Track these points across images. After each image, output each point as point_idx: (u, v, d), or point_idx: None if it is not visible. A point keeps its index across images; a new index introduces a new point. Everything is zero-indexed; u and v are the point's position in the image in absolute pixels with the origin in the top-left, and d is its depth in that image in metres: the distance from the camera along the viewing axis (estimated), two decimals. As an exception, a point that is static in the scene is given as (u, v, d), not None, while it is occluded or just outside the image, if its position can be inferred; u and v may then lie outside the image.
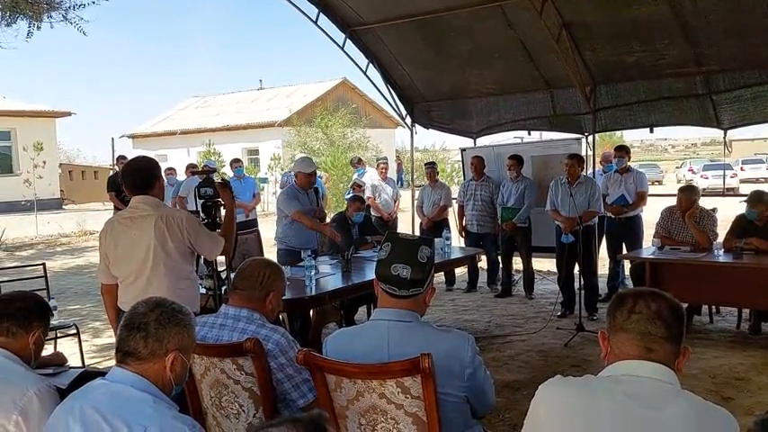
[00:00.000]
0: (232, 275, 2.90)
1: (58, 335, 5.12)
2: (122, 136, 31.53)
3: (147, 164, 3.28)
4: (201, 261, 3.59)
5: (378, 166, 9.10)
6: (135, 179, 3.21)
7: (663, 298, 1.66)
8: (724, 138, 7.24)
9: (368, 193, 8.60)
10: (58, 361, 3.02)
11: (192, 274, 3.27)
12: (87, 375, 2.75)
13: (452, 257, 5.95)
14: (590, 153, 7.30)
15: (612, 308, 1.69)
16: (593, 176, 7.17)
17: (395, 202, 8.87)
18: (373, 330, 2.10)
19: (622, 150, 7.08)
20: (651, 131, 7.36)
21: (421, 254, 2.03)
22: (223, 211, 3.65)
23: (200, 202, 3.56)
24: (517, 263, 7.80)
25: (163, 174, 3.54)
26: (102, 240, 3.29)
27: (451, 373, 2.01)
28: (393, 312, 2.06)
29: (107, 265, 3.27)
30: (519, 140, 9.67)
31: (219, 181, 3.64)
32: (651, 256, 5.68)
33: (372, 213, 8.21)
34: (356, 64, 8.03)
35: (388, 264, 2.03)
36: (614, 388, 1.53)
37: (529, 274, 7.45)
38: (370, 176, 9.22)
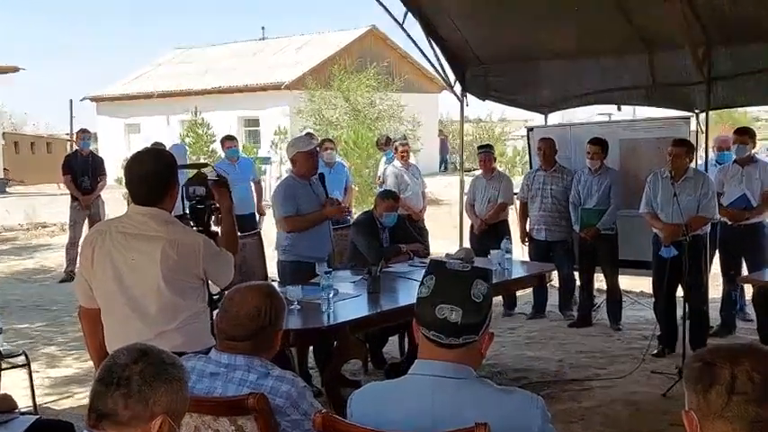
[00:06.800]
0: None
1: (3, 366, 5.12)
2: (84, 98, 31.84)
3: (158, 167, 3.17)
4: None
5: (395, 148, 8.99)
6: (141, 188, 3.15)
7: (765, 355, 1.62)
8: None
9: (389, 183, 8.48)
10: (6, 406, 3.07)
11: (204, 310, 3.25)
12: (42, 426, 2.82)
13: (514, 276, 5.90)
14: (702, 137, 7.16)
15: (697, 382, 1.60)
16: (705, 169, 7.00)
17: (423, 195, 8.81)
18: (413, 389, 2.09)
19: (745, 134, 6.85)
20: (786, 107, 7.41)
21: (475, 291, 2.04)
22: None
23: (188, 204, 3.51)
24: (599, 281, 7.69)
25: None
26: (85, 254, 3.22)
27: (515, 448, 2.07)
28: (438, 366, 2.05)
29: (89, 286, 3.22)
30: (605, 118, 9.58)
31: (215, 177, 3.62)
32: (782, 279, 5.73)
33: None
34: (390, 14, 7.98)
35: (431, 304, 2.04)
36: None
37: (615, 296, 7.33)
38: (395, 164, 9.10)
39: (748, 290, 6.77)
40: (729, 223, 6.79)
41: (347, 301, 4.82)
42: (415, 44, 8.34)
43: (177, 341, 3.01)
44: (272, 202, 5.84)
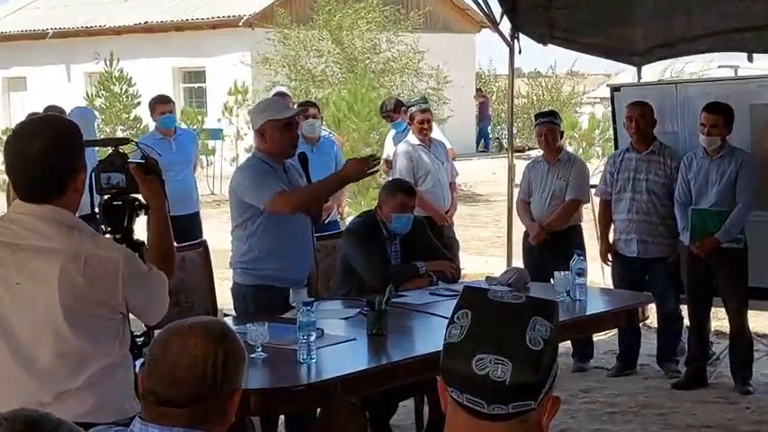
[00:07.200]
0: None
1: None
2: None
3: (53, 145, 3.08)
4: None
5: (411, 117, 8.94)
6: (29, 176, 3.09)
7: None
8: None
9: (400, 170, 8.59)
10: None
11: (123, 360, 3.22)
12: None
13: (590, 312, 5.68)
14: None
15: None
16: None
17: (451, 188, 8.73)
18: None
19: None
20: None
21: (532, 333, 1.92)
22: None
23: (99, 199, 3.52)
24: (719, 318, 7.36)
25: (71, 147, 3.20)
26: None
27: None
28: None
29: None
30: (730, 73, 9.42)
31: (138, 160, 3.52)
32: None
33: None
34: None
35: (465, 353, 1.93)
36: None
37: (743, 342, 7.06)
38: (409, 140, 9.08)
39: None
40: None
41: (337, 346, 4.64)
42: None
43: (84, 406, 3.05)
44: (235, 192, 5.53)
